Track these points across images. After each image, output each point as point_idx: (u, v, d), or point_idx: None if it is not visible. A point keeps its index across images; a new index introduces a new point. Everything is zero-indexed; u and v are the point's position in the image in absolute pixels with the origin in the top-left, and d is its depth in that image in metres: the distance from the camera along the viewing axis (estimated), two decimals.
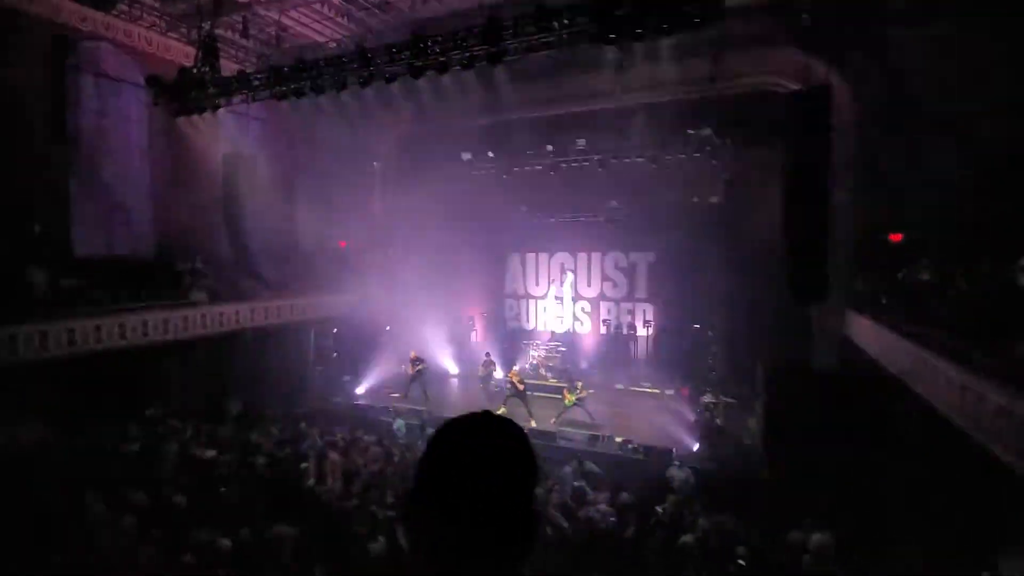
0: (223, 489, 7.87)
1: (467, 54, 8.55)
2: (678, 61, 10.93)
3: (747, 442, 11.64)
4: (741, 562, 6.32)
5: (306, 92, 10.44)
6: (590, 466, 9.87)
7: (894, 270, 10.39)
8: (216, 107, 11.49)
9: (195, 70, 11.25)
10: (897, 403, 8.81)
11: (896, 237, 11.63)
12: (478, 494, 0.79)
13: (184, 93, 11.31)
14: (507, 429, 0.88)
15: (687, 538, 6.93)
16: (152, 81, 11.52)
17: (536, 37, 8.07)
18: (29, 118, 11.23)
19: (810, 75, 11.11)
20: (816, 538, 6.99)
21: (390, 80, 9.62)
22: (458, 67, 8.91)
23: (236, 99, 11.39)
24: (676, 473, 9.48)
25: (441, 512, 0.79)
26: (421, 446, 10.67)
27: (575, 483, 8.78)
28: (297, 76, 10.42)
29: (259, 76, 10.99)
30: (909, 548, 6.65)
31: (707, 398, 12.88)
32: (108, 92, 12.97)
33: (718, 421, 12.40)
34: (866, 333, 10.55)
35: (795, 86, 11.33)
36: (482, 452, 0.84)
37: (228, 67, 12.88)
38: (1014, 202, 9.24)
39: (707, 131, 14.01)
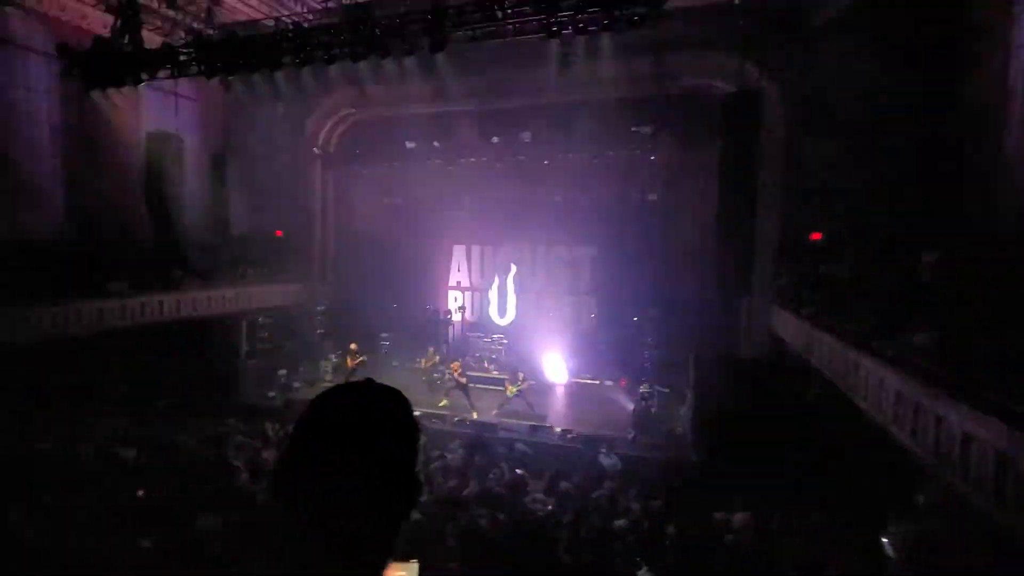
0: (140, 492, 7.42)
1: (410, 40, 8.38)
2: (621, 59, 11.20)
3: (679, 430, 12.15)
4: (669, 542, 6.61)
5: (238, 70, 9.89)
6: (521, 447, 10.04)
7: (815, 267, 11.12)
8: (137, 81, 10.68)
9: (113, 40, 10.39)
10: (814, 391, 9.47)
11: (816, 236, 12.42)
12: (350, 459, 0.79)
13: (100, 65, 10.44)
14: (386, 396, 0.87)
15: (621, 522, 7.19)
16: (63, 50, 10.55)
17: (480, 26, 8.02)
18: None
19: (744, 78, 11.68)
20: (738, 517, 7.43)
21: (329, 62, 9.27)
22: (400, 53, 8.72)
23: (160, 74, 10.61)
24: (604, 460, 9.80)
25: (313, 477, 0.78)
26: None
27: (517, 471, 8.89)
28: (228, 52, 9.84)
29: (186, 51, 10.30)
30: (820, 520, 7.19)
31: (643, 388, 13.35)
32: (14, 61, 11.79)
33: (652, 410, 12.88)
34: (788, 326, 11.24)
35: (730, 88, 11.83)
36: (356, 417, 0.83)
37: (152, 40, 12.00)
38: (921, 205, 10.12)
39: (648, 129, 14.43)
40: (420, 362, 15.37)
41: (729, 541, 6.34)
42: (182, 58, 10.23)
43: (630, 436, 11.87)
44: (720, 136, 10.61)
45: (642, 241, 15.52)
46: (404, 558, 1.00)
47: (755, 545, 6.47)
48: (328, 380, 15.42)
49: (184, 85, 13.78)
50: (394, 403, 0.88)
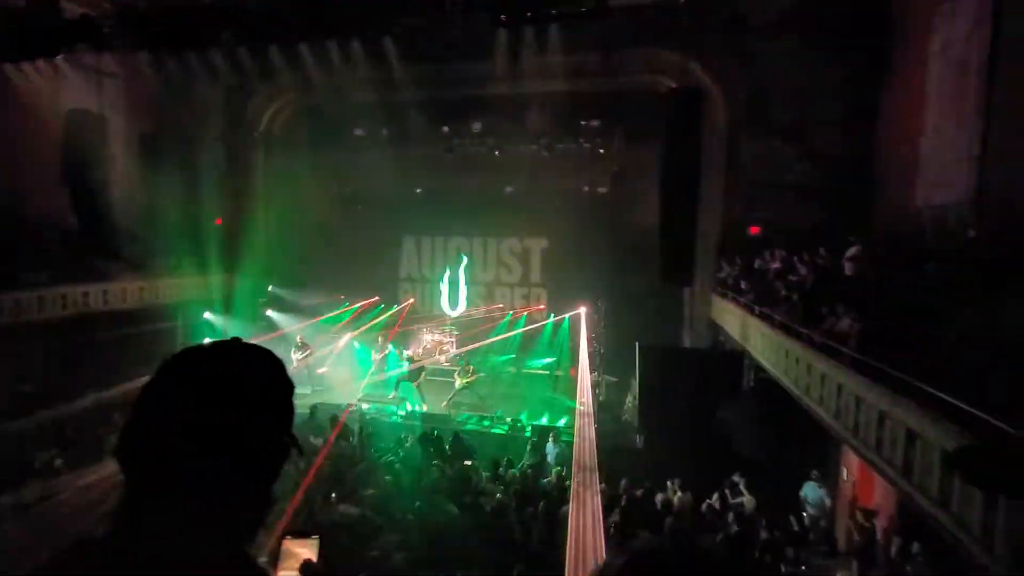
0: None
1: (355, 22, 8.13)
2: (570, 53, 11.29)
3: (625, 417, 12.52)
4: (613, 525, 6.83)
5: (168, 46, 9.30)
6: (469, 439, 10.15)
7: (751, 259, 11.67)
8: (53, 55, 9.85)
9: (28, 10, 9.52)
10: (750, 375, 9.97)
11: (755, 230, 13.03)
12: (201, 420, 0.75)
13: (13, 37, 9.56)
14: (248, 353, 0.84)
15: (567, 508, 7.35)
16: None
17: (428, 10, 7.88)
18: None
19: (687, 77, 12.05)
20: (679, 498, 7.76)
21: (269, 41, 8.86)
22: (345, 35, 8.45)
23: (79, 48, 9.82)
24: (551, 449, 10.00)
25: (158, 441, 0.74)
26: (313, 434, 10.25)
27: (467, 462, 8.93)
28: (157, 27, 9.22)
29: (110, 23, 9.57)
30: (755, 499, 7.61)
31: (593, 377, 13.64)
32: None
33: (601, 398, 13.20)
34: (727, 315, 11.76)
35: (674, 86, 12.17)
36: (209, 375, 0.79)
37: (73, 12, 11.07)
38: (847, 202, 10.82)
39: (597, 123, 14.65)
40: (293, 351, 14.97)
41: (669, 524, 6.60)
42: (105, 31, 9.50)
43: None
44: (664, 132, 10.90)
45: (592, 233, 15.78)
46: (305, 535, 0.98)
47: (694, 524, 6.77)
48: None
49: (110, 61, 12.82)
50: (257, 361, 0.84)
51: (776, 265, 10.97)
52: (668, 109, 10.73)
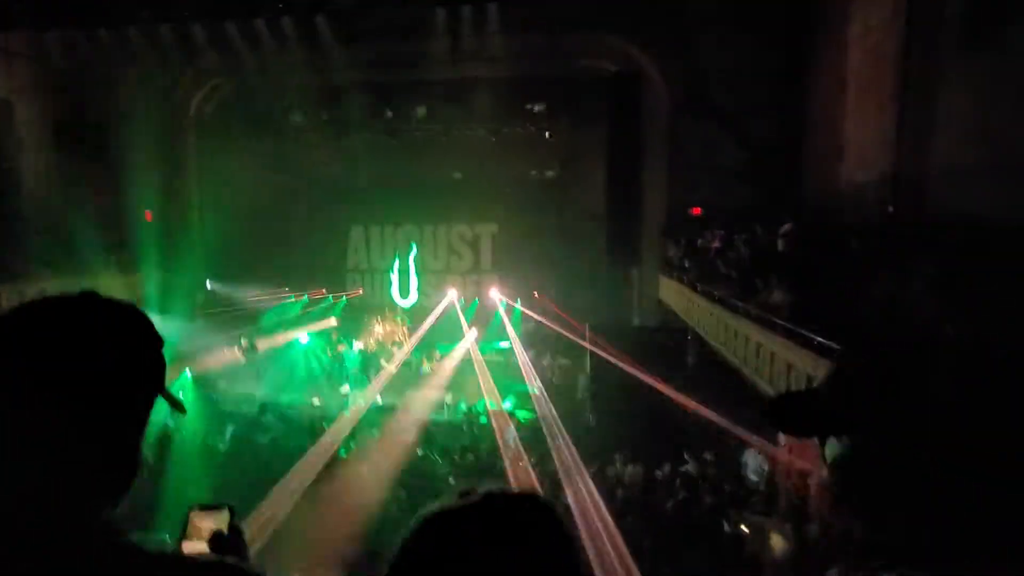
0: None
1: None
2: (513, 35, 11.23)
3: (579, 396, 12.78)
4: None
5: (79, 24, 8.58)
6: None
7: (694, 239, 12.09)
8: None
9: None
10: (693, 350, 10.37)
11: (696, 211, 13.49)
12: (37, 371, 0.70)
13: None
14: (103, 306, 0.79)
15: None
16: None
17: None
18: None
19: (630, 61, 12.23)
20: (629, 470, 8.02)
21: (190, 19, 8.33)
22: (271, 13, 8.06)
23: None
24: (507, 434, 10.14)
25: None
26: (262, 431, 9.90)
27: (419, 451, 8.90)
28: (70, 3, 8.50)
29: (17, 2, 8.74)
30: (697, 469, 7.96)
31: (546, 360, 13.84)
32: None
33: (555, 381, 13.41)
34: (672, 293, 12.16)
35: (616, 69, 12.33)
36: (46, 326, 0.74)
37: None
38: (778, 183, 11.35)
39: (542, 107, 14.67)
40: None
41: (620, 495, 6.82)
42: (13, 8, 8.66)
43: (531, 408, 12.29)
44: (607, 116, 11.05)
45: (542, 218, 15.90)
46: (214, 507, 0.95)
47: (643, 494, 7.03)
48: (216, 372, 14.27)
49: (18, 42, 11.69)
50: (109, 312, 0.79)
51: (716, 244, 11.42)
52: (611, 93, 10.86)
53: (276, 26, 9.43)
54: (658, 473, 8.08)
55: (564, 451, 8.59)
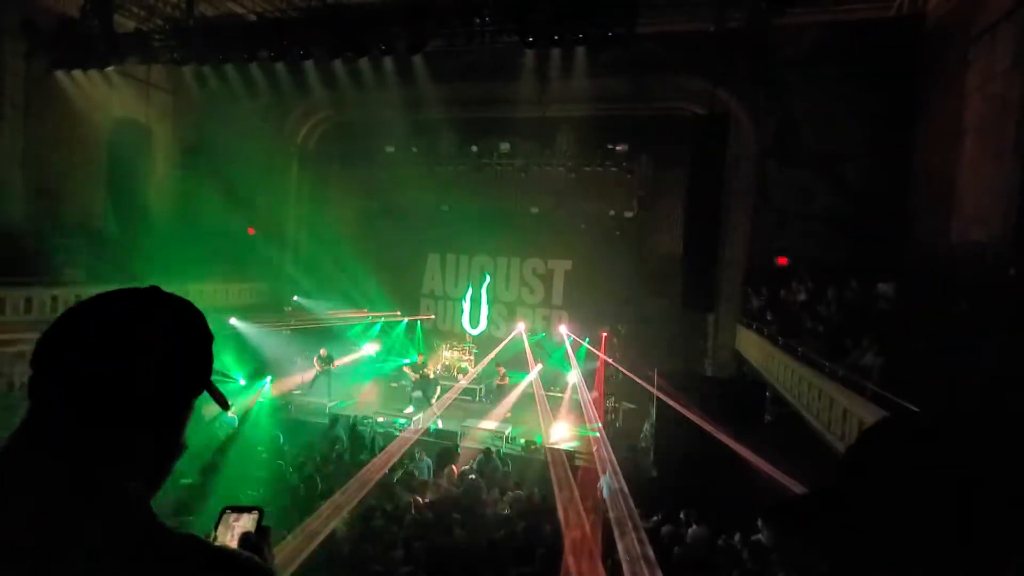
0: None
1: (387, 38, 8.41)
2: (598, 77, 11.42)
3: (641, 444, 12.21)
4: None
5: (211, 61, 9.77)
6: (494, 460, 10.01)
7: (778, 289, 11.41)
8: (104, 65, 10.44)
9: (82, 22, 10.16)
10: (771, 409, 9.64)
11: (782, 260, 12.77)
12: (98, 359, 0.75)
13: (67, 46, 10.19)
14: (162, 301, 0.84)
15: (575, 531, 7.17)
16: (28, 28, 10.27)
17: (459, 30, 8.10)
18: None
19: (715, 103, 12.01)
20: (693, 531, 7.47)
21: (304, 57, 9.23)
22: (377, 51, 8.74)
23: (130, 60, 10.40)
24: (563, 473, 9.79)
25: (60, 374, 0.75)
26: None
27: (471, 476, 8.82)
28: (202, 42, 9.72)
29: (159, 37, 10.13)
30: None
31: (610, 403, 13.42)
32: None
33: (618, 424, 12.93)
34: (750, 345, 11.46)
35: (701, 112, 12.15)
36: (109, 317, 0.79)
37: (126, 26, 11.77)
38: (877, 234, 10.53)
39: (624, 147, 14.69)
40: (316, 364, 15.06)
41: (677, 554, 6.36)
42: (155, 45, 10.06)
43: (593, 448, 11.87)
44: (690, 158, 10.85)
45: (616, 257, 15.69)
46: (246, 509, 0.97)
47: (705, 559, 6.50)
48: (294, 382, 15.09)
49: (159, 74, 13.55)
50: (167, 308, 0.84)
51: (802, 296, 10.70)
52: (694, 135, 10.68)
53: (378, 66, 10.21)
54: (725, 538, 7.46)
55: (619, 499, 8.16)
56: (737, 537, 7.65)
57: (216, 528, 0.94)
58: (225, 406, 0.88)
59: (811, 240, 11.57)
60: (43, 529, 0.66)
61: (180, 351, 0.82)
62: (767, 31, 11.04)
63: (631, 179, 15.54)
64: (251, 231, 17.02)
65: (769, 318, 11.01)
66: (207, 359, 0.86)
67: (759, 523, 7.81)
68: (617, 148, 14.77)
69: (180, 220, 14.96)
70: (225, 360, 14.50)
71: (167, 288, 0.84)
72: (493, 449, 11.01)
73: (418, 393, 13.48)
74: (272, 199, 17.07)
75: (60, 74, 10.82)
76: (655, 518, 7.99)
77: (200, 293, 14.57)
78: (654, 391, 11.30)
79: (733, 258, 12.27)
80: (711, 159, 10.00)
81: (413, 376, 13.50)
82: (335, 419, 12.17)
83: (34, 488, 0.68)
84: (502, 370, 13.56)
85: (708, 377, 12.82)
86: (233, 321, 15.75)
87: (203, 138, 15.77)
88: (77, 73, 10.84)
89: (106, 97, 12.48)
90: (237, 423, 11.41)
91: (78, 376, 0.74)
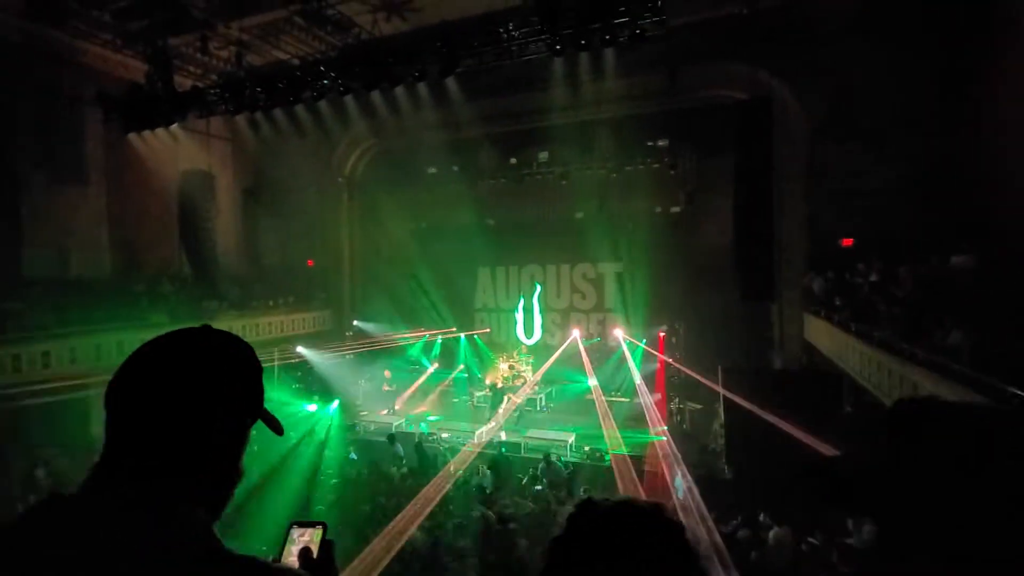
0: None
1: (419, 66, 8.68)
2: (632, 75, 11.29)
3: (712, 446, 11.76)
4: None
5: (260, 106, 10.42)
6: (556, 467, 9.94)
7: (845, 272, 10.77)
8: (169, 123, 11.36)
9: (147, 86, 11.12)
10: (849, 398, 9.07)
11: (848, 242, 12.06)
12: (165, 396, 0.83)
13: (136, 109, 11.17)
14: (217, 339, 0.90)
15: None
16: (103, 98, 11.36)
17: (487, 47, 8.25)
18: None
19: (758, 87, 11.58)
20: (775, 533, 7.11)
21: (343, 93, 9.68)
22: (410, 79, 9.04)
23: (190, 115, 11.27)
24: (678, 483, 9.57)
25: (131, 413, 0.84)
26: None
27: (536, 487, 8.78)
28: (251, 90, 10.39)
29: (213, 91, 10.93)
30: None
31: (673, 404, 13.03)
32: (64, 111, 12.73)
33: (685, 426, 12.53)
34: (820, 333, 10.86)
35: (743, 97, 11.75)
36: (173, 358, 0.87)
37: (185, 84, 12.78)
38: (944, 206, 9.75)
39: (664, 142, 14.40)
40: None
41: (755, 558, 6.06)
42: (210, 98, 10.85)
43: (660, 453, 11.55)
44: (735, 145, 10.49)
45: (667, 254, 15.31)
46: (311, 524, 1.03)
47: (788, 562, 6.17)
48: (359, 403, 15.62)
49: (217, 125, 14.60)
50: (222, 345, 0.90)
51: (873, 278, 10.04)
52: (738, 122, 10.32)
53: (413, 91, 10.55)
54: (811, 540, 7.05)
55: (691, 503, 7.89)
56: (821, 537, 7.22)
57: (283, 543, 0.99)
58: (279, 432, 0.93)
59: (876, 218, 10.86)
60: (119, 555, 0.72)
61: (233, 384, 0.89)
62: (806, 4, 10.58)
63: (675, 174, 15.18)
64: (310, 263, 17.89)
65: (838, 303, 10.40)
66: (258, 389, 0.92)
67: (849, 523, 7.35)
68: (658, 144, 14.49)
69: (245, 258, 15.94)
70: (293, 387, 15.27)
71: (240, 323, 0.92)
72: (554, 456, 10.95)
73: (486, 405, 13.64)
74: (326, 229, 17.89)
75: (133, 136, 11.89)
76: (734, 522, 7.66)
77: (268, 325, 15.44)
78: (720, 389, 10.92)
79: (792, 243, 11.71)
80: (758, 144, 9.62)
81: (485, 391, 13.69)
82: (392, 437, 12.48)
83: (110, 517, 0.75)
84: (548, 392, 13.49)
85: (778, 370, 12.25)
86: (300, 349, 16.54)
87: (260, 179, 16.78)
88: (147, 133, 11.87)
89: (173, 151, 13.57)
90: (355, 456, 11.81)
91: (142, 413, 0.82)
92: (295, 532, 1.00)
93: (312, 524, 1.02)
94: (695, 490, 9.32)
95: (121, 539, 0.73)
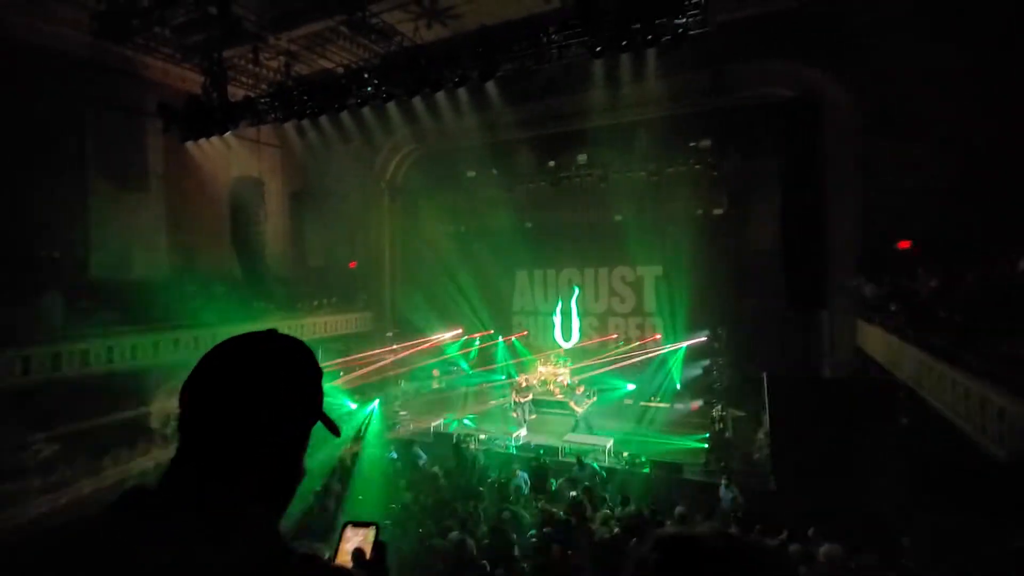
0: None
1: (459, 71, 8.79)
2: (674, 75, 11.09)
3: (756, 456, 11.37)
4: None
5: (307, 114, 10.78)
6: (591, 467, 9.83)
7: (902, 277, 10.23)
8: (223, 132, 11.91)
9: (203, 97, 11.70)
10: (906, 409, 8.61)
11: (904, 244, 11.46)
12: (233, 399, 0.87)
13: (192, 119, 11.77)
14: (281, 343, 0.94)
15: None
16: (163, 109, 12.02)
17: (527, 51, 8.27)
18: (52, 150, 11.79)
19: (805, 85, 11.17)
20: (825, 549, 6.80)
21: (387, 99, 9.90)
22: (451, 84, 9.16)
23: (242, 123, 11.79)
24: (724, 493, 9.34)
25: (202, 414, 0.88)
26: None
27: (571, 493, 8.70)
28: (299, 98, 10.77)
29: (264, 100, 11.40)
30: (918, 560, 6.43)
31: (716, 411, 12.66)
32: (127, 122, 13.54)
33: (727, 435, 12.17)
34: (875, 341, 10.35)
35: (790, 95, 11.35)
36: (241, 362, 0.90)
37: (238, 94, 13.37)
38: (1006, 204, 9.13)
39: (707, 142, 14.07)
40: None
41: (804, 573, 5.81)
42: (261, 107, 11.31)
43: (702, 462, 11.27)
44: (782, 144, 10.13)
45: (709, 257, 14.93)
46: (365, 524, 1.05)
47: None
48: (399, 405, 15.88)
49: (267, 133, 15.21)
50: (285, 349, 0.94)
51: (933, 283, 9.50)
52: (785, 121, 9.97)
53: (453, 97, 10.69)
54: (861, 559, 6.71)
55: (737, 514, 7.63)
56: (875, 557, 6.86)
57: (338, 543, 1.02)
58: (336, 433, 0.96)
59: (935, 218, 10.26)
60: (192, 553, 0.76)
61: (296, 386, 0.92)
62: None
63: (717, 175, 14.80)
64: (352, 265, 18.35)
65: (893, 309, 9.88)
66: (319, 391, 0.95)
67: (904, 541, 6.97)
68: (700, 144, 14.17)
69: (292, 260, 16.51)
70: (334, 386, 15.68)
71: (286, 323, 0.95)
72: (587, 460, 10.83)
73: (518, 410, 13.65)
74: (368, 233, 18.32)
75: (190, 144, 12.55)
76: (779, 536, 7.38)
77: (313, 326, 15.92)
78: (765, 396, 10.55)
79: (843, 247, 11.21)
80: (807, 143, 9.27)
81: (515, 397, 13.71)
82: (411, 442, 12.65)
83: (185, 516, 0.79)
84: (589, 392, 13.38)
85: (827, 379, 11.75)
86: (342, 349, 16.99)
87: (306, 184, 17.36)
88: (202, 141, 12.49)
89: (226, 159, 14.23)
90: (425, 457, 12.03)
91: (213, 414, 0.87)
92: (349, 532, 1.03)
93: (365, 524, 1.04)
94: (741, 501, 9.04)
95: (195, 538, 0.77)
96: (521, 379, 14.13)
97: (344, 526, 1.06)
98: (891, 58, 10.36)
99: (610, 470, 11.07)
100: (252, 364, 0.90)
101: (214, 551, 0.76)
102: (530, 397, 13.85)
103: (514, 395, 13.67)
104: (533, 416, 13.81)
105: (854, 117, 11.49)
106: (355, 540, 1.02)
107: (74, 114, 12.28)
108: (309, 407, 0.93)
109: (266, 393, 0.88)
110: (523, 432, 13.28)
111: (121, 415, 10.99)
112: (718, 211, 15.45)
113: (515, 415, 13.84)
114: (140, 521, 0.78)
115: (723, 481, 9.55)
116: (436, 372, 15.56)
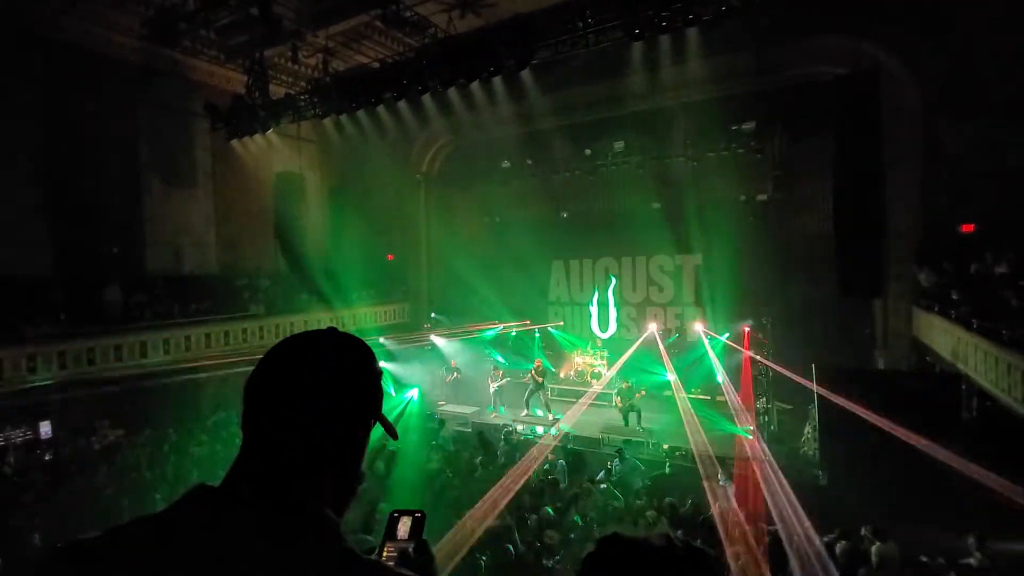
0: None
1: (494, 59, 8.70)
2: (714, 56, 10.68)
3: (803, 449, 10.98)
4: None
5: (345, 109, 10.93)
6: (632, 462, 9.71)
7: (965, 263, 9.62)
8: (265, 129, 12.23)
9: (246, 96, 12.03)
10: (970, 403, 8.12)
11: (968, 228, 10.78)
12: (295, 400, 0.85)
13: (237, 118, 12.12)
14: (342, 342, 0.92)
15: (737, 547, 6.63)
16: (210, 109, 12.43)
17: (563, 37, 8.10)
18: (108, 150, 12.38)
19: (860, 60, 10.56)
20: (879, 548, 6.51)
21: (422, 92, 9.92)
22: (486, 73, 9.08)
23: (283, 121, 12.08)
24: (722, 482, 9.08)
25: (265, 414, 0.86)
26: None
27: (602, 485, 8.62)
28: (337, 94, 10.93)
29: (303, 97, 11.62)
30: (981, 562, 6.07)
31: (761, 404, 12.30)
32: (177, 122, 14.09)
33: (772, 427, 11.81)
34: (934, 330, 9.80)
35: (843, 72, 10.76)
36: (302, 361, 0.88)
37: (278, 92, 13.69)
38: None
39: (750, 125, 13.52)
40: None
41: (863, 574, 5.57)
42: (300, 104, 11.54)
43: (748, 452, 10.95)
44: (834, 125, 9.63)
45: (753, 244, 14.42)
46: (409, 512, 1.04)
47: None
48: (438, 392, 16.09)
49: (306, 129, 15.54)
50: (345, 348, 0.91)
51: (1003, 269, 8.89)
52: (837, 100, 9.47)
53: (488, 86, 10.62)
54: (922, 559, 6.38)
55: (787, 511, 7.39)
56: (940, 558, 6.52)
57: (386, 534, 1.01)
58: (394, 436, 0.94)
59: (1005, 201, 9.58)
60: (257, 555, 0.75)
61: (357, 386, 0.90)
62: None
63: (761, 159, 14.22)
64: (390, 257, 18.63)
65: (955, 297, 9.30)
66: (379, 392, 0.93)
67: (970, 542, 6.60)
68: (743, 128, 13.64)
69: (332, 253, 16.89)
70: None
71: (328, 316, 0.93)
72: (627, 451, 10.71)
73: (534, 398, 13.72)
74: (405, 225, 18.54)
75: (235, 142, 12.96)
76: (830, 535, 7.10)
77: (352, 317, 16.27)
78: (814, 389, 10.14)
79: (901, 232, 10.61)
80: (862, 123, 8.76)
81: (537, 377, 13.73)
82: (442, 422, 12.79)
83: (249, 517, 0.78)
84: (633, 387, 13.20)
85: (884, 371, 11.21)
86: (382, 340, 17.29)
87: (345, 178, 17.68)
88: (246, 139, 12.88)
89: (268, 155, 14.64)
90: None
91: (275, 413, 0.85)
92: (397, 521, 1.02)
93: (412, 513, 1.03)
94: (792, 497, 8.75)
95: (259, 539, 0.76)
96: (537, 365, 14.05)
97: (391, 515, 1.05)
98: (959, 29, 9.67)
99: (650, 462, 10.92)
100: (315, 363, 0.89)
101: (281, 551, 0.75)
102: (542, 381, 13.81)
103: (532, 375, 13.71)
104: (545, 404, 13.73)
105: (916, 95, 10.80)
106: (401, 529, 1.01)
107: (129, 116, 12.85)
108: (370, 407, 0.91)
109: (329, 393, 0.87)
110: (559, 422, 13.25)
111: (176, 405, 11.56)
112: (762, 196, 14.86)
113: (537, 399, 13.85)
114: (208, 519, 0.78)
115: (770, 475, 9.26)
116: (454, 363, 15.65)
